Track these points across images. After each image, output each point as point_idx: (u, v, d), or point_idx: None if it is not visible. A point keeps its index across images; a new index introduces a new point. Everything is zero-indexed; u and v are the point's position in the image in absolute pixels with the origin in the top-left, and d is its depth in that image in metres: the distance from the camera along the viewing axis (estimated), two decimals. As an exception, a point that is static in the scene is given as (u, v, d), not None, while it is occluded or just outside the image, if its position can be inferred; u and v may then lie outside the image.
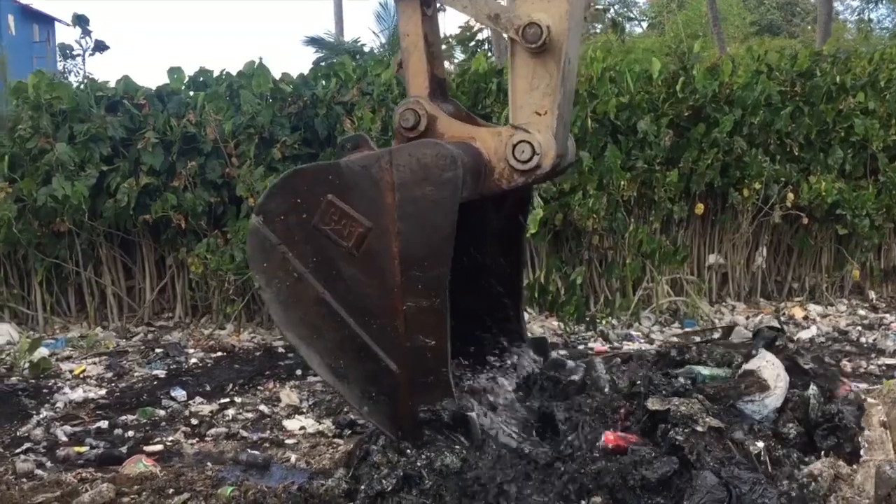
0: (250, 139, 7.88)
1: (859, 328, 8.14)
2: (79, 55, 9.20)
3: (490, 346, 3.89)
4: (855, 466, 2.97)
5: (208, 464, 4.59)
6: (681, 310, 8.76)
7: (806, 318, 8.64)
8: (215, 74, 8.72)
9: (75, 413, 5.78)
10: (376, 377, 3.00)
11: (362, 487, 3.04)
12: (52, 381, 6.57)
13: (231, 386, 6.41)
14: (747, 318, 8.61)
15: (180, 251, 8.09)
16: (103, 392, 6.33)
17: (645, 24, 41.42)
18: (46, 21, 47.74)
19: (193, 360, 7.18)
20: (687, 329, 8.22)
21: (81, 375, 6.72)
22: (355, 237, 2.97)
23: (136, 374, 6.82)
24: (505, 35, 3.12)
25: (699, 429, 2.90)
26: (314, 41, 20.19)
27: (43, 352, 7.08)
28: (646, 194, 8.62)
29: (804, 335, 7.85)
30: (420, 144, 2.99)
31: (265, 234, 3.11)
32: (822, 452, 3.15)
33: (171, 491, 3.86)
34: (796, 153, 8.93)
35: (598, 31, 33.42)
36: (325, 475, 3.55)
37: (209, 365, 7.08)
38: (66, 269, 8.17)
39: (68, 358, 7.26)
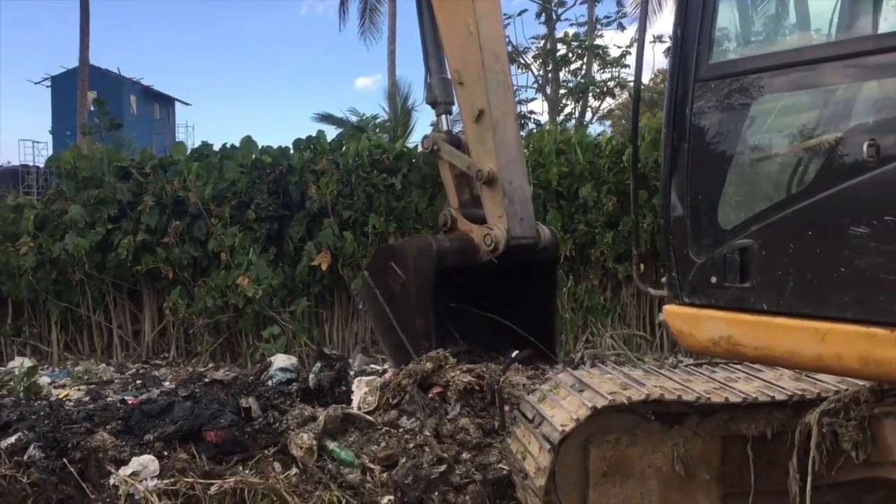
0: (228, 202, 9.17)
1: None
2: (97, 133, 10.89)
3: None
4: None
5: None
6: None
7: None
8: (216, 147, 10.11)
9: (41, 425, 6.97)
10: (403, 352, 5.46)
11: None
12: (40, 401, 7.84)
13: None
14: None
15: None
16: (74, 411, 7.53)
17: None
18: (166, 101, 52.14)
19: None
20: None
21: (64, 398, 7.97)
22: (399, 283, 5.53)
23: (108, 399, 8.02)
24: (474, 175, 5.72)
25: (206, 380, 4.07)
26: (324, 118, 21.90)
27: (45, 380, 8.42)
28: (588, 254, 9.36)
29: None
30: (420, 239, 5.85)
31: (367, 279, 5.88)
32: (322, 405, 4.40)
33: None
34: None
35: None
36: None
37: (173, 394, 8.22)
38: (80, 313, 9.59)
39: (63, 385, 8.56)
